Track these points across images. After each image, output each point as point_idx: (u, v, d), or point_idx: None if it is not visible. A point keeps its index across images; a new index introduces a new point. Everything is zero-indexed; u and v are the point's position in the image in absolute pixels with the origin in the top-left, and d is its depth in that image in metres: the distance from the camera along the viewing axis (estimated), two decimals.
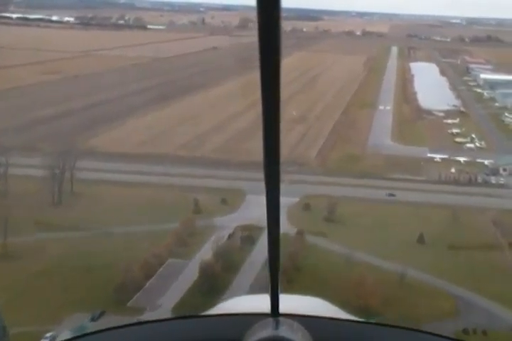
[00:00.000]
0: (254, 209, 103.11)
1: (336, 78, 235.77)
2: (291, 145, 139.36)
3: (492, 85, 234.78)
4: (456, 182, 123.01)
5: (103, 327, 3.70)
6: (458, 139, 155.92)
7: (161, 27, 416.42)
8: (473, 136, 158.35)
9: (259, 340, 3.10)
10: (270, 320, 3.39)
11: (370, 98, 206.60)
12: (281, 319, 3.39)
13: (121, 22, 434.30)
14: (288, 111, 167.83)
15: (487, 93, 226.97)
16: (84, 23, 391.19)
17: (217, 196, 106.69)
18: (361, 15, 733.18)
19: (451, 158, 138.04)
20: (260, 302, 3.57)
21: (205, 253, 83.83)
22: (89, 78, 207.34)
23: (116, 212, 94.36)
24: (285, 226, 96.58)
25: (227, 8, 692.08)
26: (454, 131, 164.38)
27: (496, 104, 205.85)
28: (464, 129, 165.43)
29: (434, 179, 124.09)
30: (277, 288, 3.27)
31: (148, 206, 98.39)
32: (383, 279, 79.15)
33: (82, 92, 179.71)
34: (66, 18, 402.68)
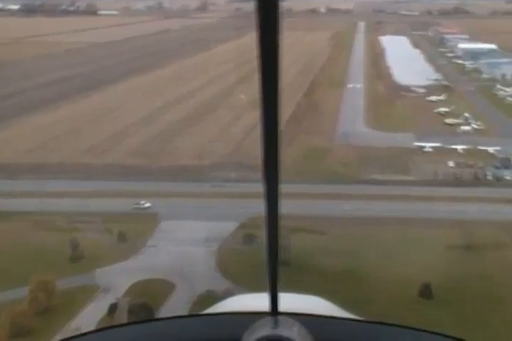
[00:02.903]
0: (166, 248, 65.27)
1: (298, 55, 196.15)
2: (237, 141, 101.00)
3: (473, 55, 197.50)
4: (458, 181, 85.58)
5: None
6: (448, 120, 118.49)
7: (113, 12, 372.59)
8: (467, 115, 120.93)
9: (258, 339, 2.96)
10: (269, 318, 3.20)
11: (337, 75, 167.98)
12: (280, 317, 3.21)
13: (72, 9, 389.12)
14: (236, 96, 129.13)
15: (470, 64, 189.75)
16: (29, 11, 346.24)
17: (116, 226, 68.24)
18: None
19: (446, 146, 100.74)
20: (259, 301, 3.32)
21: None
22: (4, 66, 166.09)
23: None
24: (211, 279, 58.84)
25: None
26: (442, 109, 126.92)
27: (484, 76, 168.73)
28: (453, 107, 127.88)
29: (428, 179, 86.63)
30: (276, 287, 3.07)
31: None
32: None
33: None
34: (10, 6, 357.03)
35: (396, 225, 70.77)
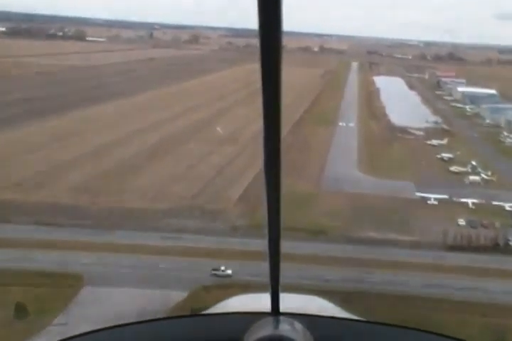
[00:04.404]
0: (79, 328, 45.57)
1: (286, 90, 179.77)
2: (204, 181, 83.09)
3: (473, 99, 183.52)
4: (473, 247, 67.73)
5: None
6: (454, 168, 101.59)
7: (101, 39, 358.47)
8: (474, 163, 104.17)
9: (259, 339, 2.92)
10: (270, 318, 3.22)
11: (328, 113, 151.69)
12: (281, 318, 3.24)
13: (60, 34, 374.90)
14: (211, 128, 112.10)
15: (470, 108, 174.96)
16: (14, 33, 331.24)
17: (17, 292, 49.31)
18: (318, 35, 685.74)
19: (453, 199, 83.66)
20: (260, 301, 3.38)
21: None
22: None
23: None
24: None
25: (182, 27, 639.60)
26: (445, 155, 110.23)
27: (487, 121, 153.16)
28: (458, 154, 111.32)
29: (436, 241, 68.71)
30: (278, 287, 3.12)
31: None
32: None
33: None
34: None
35: (397, 305, 52.60)
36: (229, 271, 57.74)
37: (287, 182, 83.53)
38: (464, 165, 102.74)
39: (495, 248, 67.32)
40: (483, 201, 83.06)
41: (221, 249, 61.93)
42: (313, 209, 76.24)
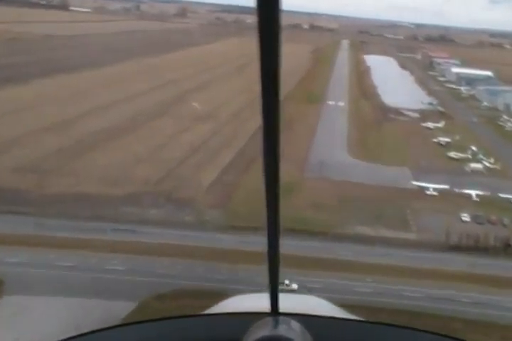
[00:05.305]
0: None
1: None
2: (173, 163, 71.70)
3: (469, 81, 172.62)
4: (481, 248, 57.18)
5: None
6: (452, 154, 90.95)
7: (85, 9, 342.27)
8: (474, 148, 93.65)
9: (258, 339, 2.87)
10: (270, 318, 3.13)
11: (317, 90, 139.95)
12: (280, 318, 3.15)
13: (43, 2, 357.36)
14: (188, 103, 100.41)
15: (465, 90, 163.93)
16: None
17: None
18: (308, 14, 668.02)
19: (455, 189, 73.03)
20: (260, 301, 3.27)
21: None
22: None
23: None
24: None
25: (171, 1, 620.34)
26: (442, 139, 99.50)
27: (484, 104, 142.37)
28: (456, 138, 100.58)
29: (437, 239, 58.07)
30: (277, 287, 3.03)
31: None
32: None
33: None
34: None
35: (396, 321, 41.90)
36: (294, 286, 46.13)
37: None
38: (464, 150, 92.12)
39: (506, 250, 56.90)
40: (488, 192, 72.68)
41: (180, 246, 51.04)
42: (295, 201, 65.07)
